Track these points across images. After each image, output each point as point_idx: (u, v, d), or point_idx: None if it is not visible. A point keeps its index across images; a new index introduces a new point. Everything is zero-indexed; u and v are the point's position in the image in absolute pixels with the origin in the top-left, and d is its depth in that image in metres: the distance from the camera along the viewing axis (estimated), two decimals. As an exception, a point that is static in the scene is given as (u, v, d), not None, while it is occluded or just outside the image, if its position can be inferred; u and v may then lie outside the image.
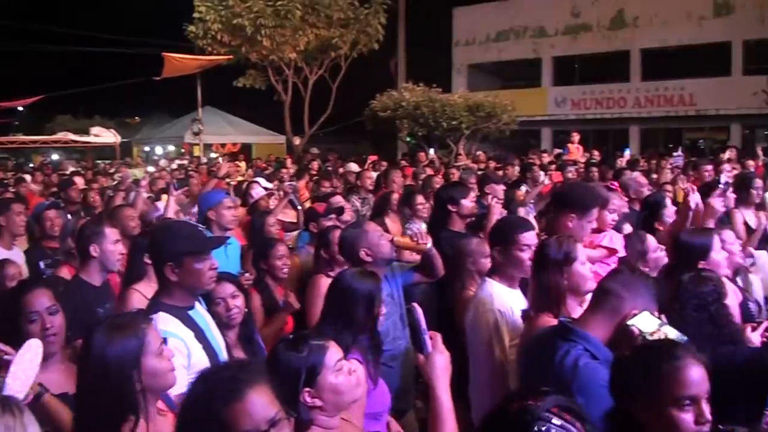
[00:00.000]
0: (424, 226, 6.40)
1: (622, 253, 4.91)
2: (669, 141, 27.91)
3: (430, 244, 4.79)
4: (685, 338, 2.73)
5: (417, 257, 5.02)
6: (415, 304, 2.70)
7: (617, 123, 28.90)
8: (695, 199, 5.74)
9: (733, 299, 4.33)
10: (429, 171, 12.19)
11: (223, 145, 29.54)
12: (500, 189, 7.79)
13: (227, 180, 12.00)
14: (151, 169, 17.87)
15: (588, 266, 3.63)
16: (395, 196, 7.59)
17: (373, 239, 4.57)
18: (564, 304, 3.48)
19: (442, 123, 21.00)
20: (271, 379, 2.13)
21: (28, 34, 34.63)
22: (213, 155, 26.60)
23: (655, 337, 2.74)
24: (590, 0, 29.22)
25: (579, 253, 3.58)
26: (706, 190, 6.59)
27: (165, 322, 3.21)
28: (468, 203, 6.00)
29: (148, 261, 4.03)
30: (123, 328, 2.55)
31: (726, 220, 6.48)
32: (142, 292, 4.16)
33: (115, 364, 2.48)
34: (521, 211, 6.85)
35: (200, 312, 3.52)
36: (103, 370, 2.47)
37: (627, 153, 16.22)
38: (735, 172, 9.70)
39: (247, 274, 5.22)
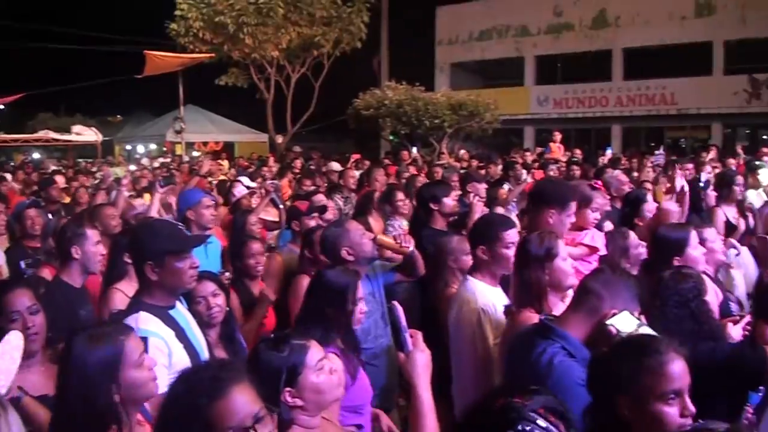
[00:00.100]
0: (405, 223, 6.41)
1: (603, 251, 4.94)
2: (651, 140, 28.06)
3: (412, 247, 4.80)
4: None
5: (399, 256, 5.03)
6: (396, 303, 2.69)
7: (599, 122, 29.05)
8: (681, 182, 5.81)
9: (713, 297, 4.36)
10: (412, 170, 12.20)
11: (205, 144, 29.44)
12: (482, 187, 7.81)
13: (209, 178, 11.95)
14: (133, 168, 17.76)
15: (569, 262, 3.66)
16: (378, 195, 7.58)
17: (354, 238, 4.58)
18: (545, 299, 3.51)
19: (424, 121, 21.02)
20: (252, 378, 2.13)
21: (8, 32, 34.30)
22: (195, 154, 26.50)
23: None
24: (572, -1, 29.39)
25: (560, 249, 3.61)
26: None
27: (146, 322, 3.19)
28: (450, 201, 6.02)
29: (129, 260, 4.00)
30: (101, 339, 2.53)
31: (707, 218, 6.53)
32: (125, 292, 4.13)
33: (93, 376, 2.46)
34: (499, 209, 6.87)
35: (181, 311, 3.49)
36: (82, 380, 2.46)
37: (609, 152, 16.29)
38: (716, 170, 9.78)
39: (227, 273, 5.20)
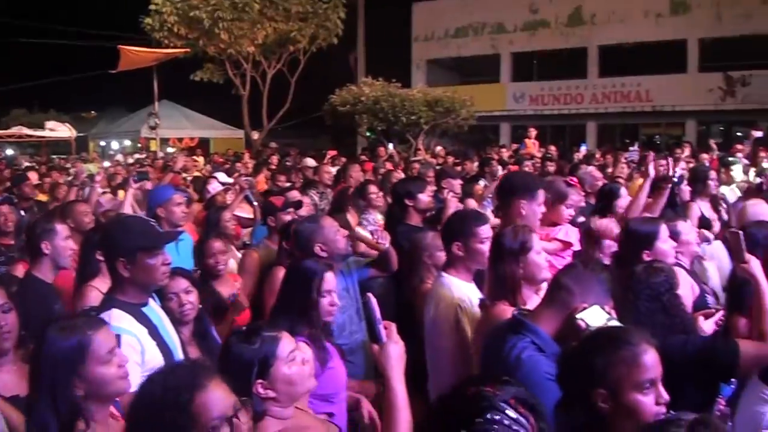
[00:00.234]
0: (379, 217, 6.42)
1: (577, 246, 4.97)
2: (626, 136, 28.26)
3: (388, 244, 4.81)
4: None
5: (373, 252, 5.04)
6: (370, 295, 2.70)
7: (575, 118, 29.22)
8: (652, 168, 5.91)
9: (688, 292, 4.40)
10: (389, 166, 12.20)
11: (180, 140, 29.27)
12: (457, 183, 7.83)
13: (184, 175, 11.87)
14: (107, 164, 17.61)
15: (543, 255, 3.68)
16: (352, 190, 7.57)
17: (329, 235, 4.58)
18: (519, 292, 3.54)
19: (401, 118, 21.02)
20: (223, 371, 2.19)
21: (-21, 26, 33.89)
22: (170, 150, 26.32)
23: None
24: (548, -3, 29.52)
25: (534, 242, 3.63)
26: (661, 183, 6.70)
27: (118, 319, 3.17)
28: (424, 197, 6.03)
29: (100, 258, 3.96)
30: (68, 330, 2.53)
31: (682, 213, 6.58)
32: (99, 289, 4.09)
33: (57, 367, 2.46)
34: (472, 203, 6.90)
35: (154, 309, 3.48)
36: (47, 370, 2.47)
37: (583, 148, 16.40)
38: (690, 165, 9.86)
39: (200, 272, 5.16)
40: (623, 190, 6.56)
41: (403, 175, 9.43)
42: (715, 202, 7.33)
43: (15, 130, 27.64)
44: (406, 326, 4.01)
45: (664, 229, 4.36)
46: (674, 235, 4.56)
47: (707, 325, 3.83)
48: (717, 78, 25.90)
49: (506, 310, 3.38)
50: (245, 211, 7.69)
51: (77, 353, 2.49)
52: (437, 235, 4.93)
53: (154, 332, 3.32)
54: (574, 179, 7.50)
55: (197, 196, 8.71)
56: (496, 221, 4.93)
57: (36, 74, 32.05)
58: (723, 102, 25.91)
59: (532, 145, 17.62)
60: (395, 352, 2.55)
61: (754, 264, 3.36)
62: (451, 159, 15.07)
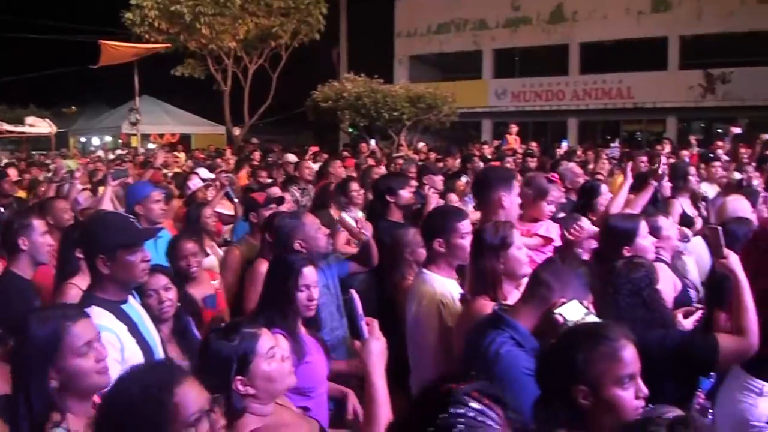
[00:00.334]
0: (360, 214, 6.41)
1: (558, 242, 4.99)
2: (607, 133, 28.40)
3: (369, 236, 4.81)
4: None
5: (352, 249, 5.04)
6: (353, 291, 2.71)
7: (556, 115, 29.35)
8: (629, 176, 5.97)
9: (670, 288, 4.43)
10: (371, 162, 12.18)
11: (161, 136, 29.09)
12: (438, 180, 7.85)
13: (165, 171, 11.80)
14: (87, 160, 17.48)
15: (524, 251, 3.69)
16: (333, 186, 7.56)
17: (309, 232, 4.58)
18: (500, 287, 3.55)
19: (383, 114, 21.03)
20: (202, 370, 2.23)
21: (-43, 21, 33.51)
22: (151, 146, 26.15)
23: None
24: (530, -7, 29.61)
25: (515, 238, 3.64)
26: (641, 180, 6.74)
27: (98, 316, 3.13)
28: (405, 193, 6.04)
29: (80, 255, 3.93)
30: (45, 320, 2.51)
31: (663, 209, 6.62)
32: (79, 287, 4.05)
33: (31, 356, 2.45)
34: (453, 199, 6.91)
35: (134, 306, 3.46)
36: (23, 360, 2.46)
37: (564, 144, 16.46)
38: (671, 161, 9.91)
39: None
40: (604, 187, 6.59)
41: (384, 171, 9.44)
42: (695, 198, 7.39)
43: (-6, 125, 27.41)
44: (388, 322, 4.02)
45: (643, 226, 4.40)
46: (655, 231, 4.60)
47: (686, 324, 3.87)
48: (697, 75, 26.15)
49: (486, 305, 3.39)
50: (226, 208, 7.66)
51: (52, 343, 2.48)
52: (419, 231, 4.94)
53: (134, 329, 3.30)
54: (556, 175, 7.52)
55: (178, 192, 8.66)
56: (477, 216, 4.94)
57: (16, 69, 31.73)
58: (703, 99, 26.16)
59: (513, 142, 17.66)
60: (377, 349, 2.56)
61: (733, 259, 3.39)
62: (433, 155, 15.10)
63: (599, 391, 2.32)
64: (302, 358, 3.48)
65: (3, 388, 2.72)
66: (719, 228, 3.51)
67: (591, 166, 10.62)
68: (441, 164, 12.02)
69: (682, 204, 7.06)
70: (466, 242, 4.01)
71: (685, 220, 6.72)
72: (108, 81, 28.26)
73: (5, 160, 17.64)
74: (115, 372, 2.77)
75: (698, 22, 25.81)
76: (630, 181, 6.28)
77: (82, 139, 33.36)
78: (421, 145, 18.72)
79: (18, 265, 4.47)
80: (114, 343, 3.12)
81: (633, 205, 5.92)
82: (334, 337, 4.45)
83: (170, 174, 11.69)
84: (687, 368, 3.34)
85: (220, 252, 6.23)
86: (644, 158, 10.17)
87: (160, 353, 3.44)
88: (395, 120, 21.23)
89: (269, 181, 9.20)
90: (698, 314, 4.05)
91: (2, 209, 6.89)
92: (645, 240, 4.34)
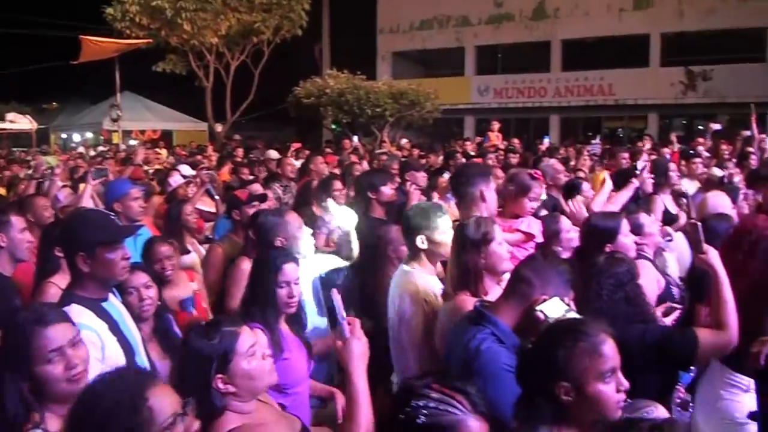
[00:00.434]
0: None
1: (539, 238, 5.00)
2: (588, 130, 28.49)
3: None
4: None
5: (331, 246, 5.05)
6: (335, 290, 2.71)
7: (538, 112, 29.43)
8: (609, 184, 5.98)
9: (654, 284, 4.46)
10: (353, 158, 12.17)
11: (142, 132, 28.91)
12: (421, 176, 7.84)
13: (146, 167, 11.73)
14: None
15: (505, 246, 3.69)
16: (315, 183, 7.54)
17: (291, 230, 4.56)
18: (481, 283, 3.55)
19: (366, 110, 20.97)
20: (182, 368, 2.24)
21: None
22: (132, 142, 25.99)
23: None
24: (512, -10, 29.66)
25: (496, 233, 3.64)
26: (623, 176, 6.77)
27: (78, 315, 3.12)
28: (387, 190, 6.03)
29: (60, 254, 3.90)
30: (14, 325, 2.53)
31: (645, 205, 6.65)
32: (59, 285, 4.02)
33: (2, 361, 2.46)
34: (435, 196, 6.92)
35: (114, 304, 3.44)
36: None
37: (546, 141, 16.50)
38: (653, 157, 9.98)
39: None
40: (586, 185, 6.63)
41: (366, 167, 9.43)
42: (676, 195, 7.42)
43: (-26, 122, 27.17)
44: (370, 320, 4.02)
45: (625, 224, 4.42)
46: (637, 228, 4.62)
47: (666, 322, 3.90)
48: (679, 72, 26.33)
49: (468, 301, 3.41)
50: (207, 205, 7.63)
51: (22, 347, 2.49)
52: (401, 228, 4.94)
53: (115, 328, 3.28)
54: (538, 172, 7.54)
55: (159, 189, 8.62)
56: (456, 212, 4.95)
57: (-5, 65, 31.49)
58: (684, 96, 26.34)
59: (495, 138, 17.70)
60: (358, 349, 2.57)
61: (713, 255, 3.41)
62: (416, 151, 15.10)
63: (581, 387, 2.34)
64: (280, 354, 3.47)
65: None
66: (699, 224, 3.53)
67: (572, 163, 10.67)
68: (424, 161, 12.02)
69: (664, 201, 7.09)
70: (447, 238, 4.02)
71: (668, 217, 6.76)
72: (89, 77, 27.98)
73: (-14, 158, 17.45)
74: (96, 371, 2.76)
75: (680, 20, 25.99)
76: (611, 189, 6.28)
77: (63, 136, 33.10)
78: (404, 141, 18.69)
79: (-3, 263, 4.43)
80: (95, 341, 3.10)
81: (614, 202, 5.95)
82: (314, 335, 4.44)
83: (151, 171, 11.64)
84: (667, 362, 3.36)
85: (202, 250, 6.20)
86: (626, 155, 10.21)
87: (141, 352, 3.42)
88: (378, 116, 21.19)
89: (251, 178, 9.17)
90: (677, 313, 4.09)
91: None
92: (627, 238, 4.36)
